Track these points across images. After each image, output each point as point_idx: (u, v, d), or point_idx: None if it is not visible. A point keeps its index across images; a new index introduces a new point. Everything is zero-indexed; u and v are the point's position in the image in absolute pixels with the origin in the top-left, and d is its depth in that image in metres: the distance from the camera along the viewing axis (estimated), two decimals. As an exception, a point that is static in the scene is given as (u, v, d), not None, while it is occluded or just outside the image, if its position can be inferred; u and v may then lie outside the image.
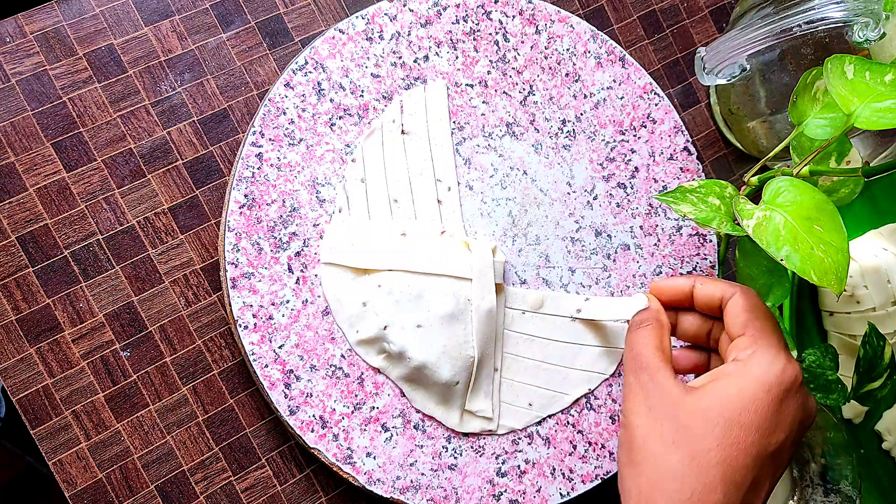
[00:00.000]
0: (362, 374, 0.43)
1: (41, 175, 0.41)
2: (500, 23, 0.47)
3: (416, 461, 0.43)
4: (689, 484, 0.31)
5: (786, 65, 0.47)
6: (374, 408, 0.43)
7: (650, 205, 0.49)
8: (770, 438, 0.32)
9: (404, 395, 0.43)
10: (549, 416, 0.46)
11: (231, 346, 0.43)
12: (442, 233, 0.44)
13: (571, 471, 0.45)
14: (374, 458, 0.42)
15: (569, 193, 0.47)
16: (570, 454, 0.46)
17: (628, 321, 0.39)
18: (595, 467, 0.46)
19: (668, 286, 0.39)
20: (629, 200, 0.49)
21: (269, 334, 0.41)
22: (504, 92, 0.47)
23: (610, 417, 0.47)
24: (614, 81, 0.49)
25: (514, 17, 0.47)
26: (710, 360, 0.40)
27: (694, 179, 0.49)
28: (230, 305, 0.41)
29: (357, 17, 0.44)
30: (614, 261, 0.48)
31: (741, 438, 0.31)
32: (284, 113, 0.43)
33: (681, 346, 0.42)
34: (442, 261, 0.43)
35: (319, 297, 0.42)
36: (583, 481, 0.45)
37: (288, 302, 0.42)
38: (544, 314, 0.46)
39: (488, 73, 0.46)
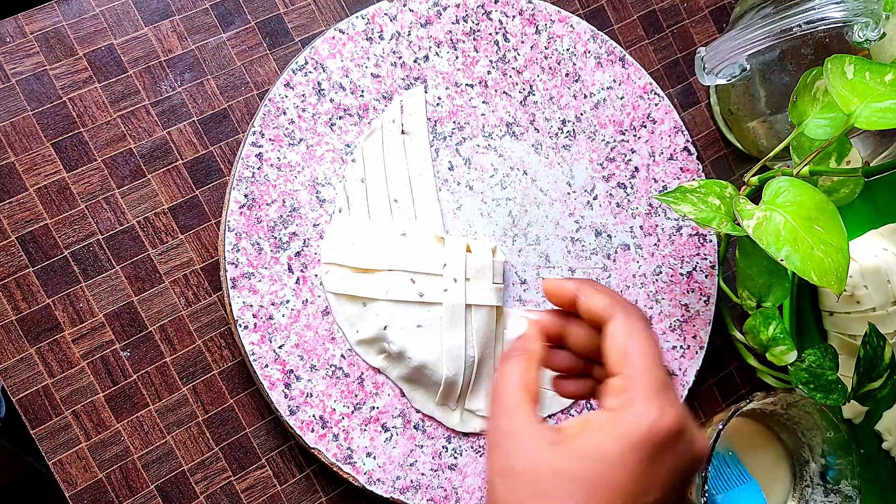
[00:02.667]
0: (362, 374, 0.43)
1: (41, 175, 0.41)
2: (500, 23, 0.47)
3: (416, 461, 0.43)
4: None
5: (786, 65, 0.47)
6: (374, 408, 0.43)
7: (650, 205, 0.49)
8: (639, 500, 0.28)
9: (404, 395, 0.43)
10: (549, 416, 0.45)
11: (231, 346, 0.43)
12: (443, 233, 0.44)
13: (571, 471, 0.45)
14: (374, 458, 0.42)
15: (569, 193, 0.47)
16: (570, 454, 0.46)
17: None
18: (595, 467, 0.46)
19: (553, 288, 0.34)
20: (629, 200, 0.49)
21: (269, 334, 0.41)
22: (504, 92, 0.47)
23: (610, 417, 0.47)
24: (614, 81, 0.49)
25: (514, 17, 0.47)
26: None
27: (694, 179, 0.49)
28: (230, 305, 0.41)
29: (357, 17, 0.44)
30: (614, 261, 0.48)
31: None
32: (284, 113, 0.43)
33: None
34: (442, 261, 0.43)
35: (319, 297, 0.42)
36: (583, 481, 0.45)
37: (288, 302, 0.42)
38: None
39: (488, 73, 0.46)
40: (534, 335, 0.34)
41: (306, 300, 0.42)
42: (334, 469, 0.42)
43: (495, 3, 0.47)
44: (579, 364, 0.35)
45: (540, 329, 0.34)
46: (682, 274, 0.49)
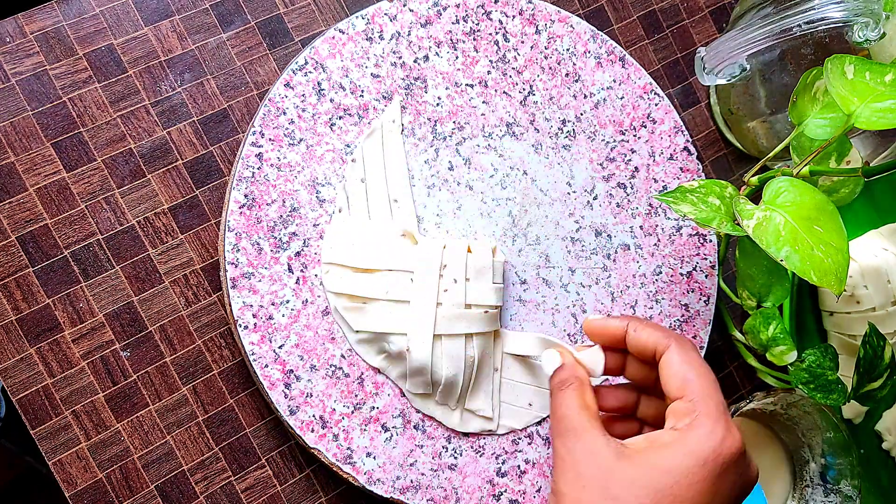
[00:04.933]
0: (362, 374, 0.43)
1: (41, 175, 0.41)
2: (500, 23, 0.47)
3: (416, 461, 0.43)
4: None
5: (786, 65, 0.47)
6: (374, 408, 0.43)
7: (650, 205, 0.49)
8: None
9: (404, 395, 0.43)
10: (550, 416, 0.46)
11: (231, 346, 0.43)
12: (446, 233, 0.44)
13: (571, 471, 0.45)
14: (374, 458, 0.42)
15: (569, 193, 0.47)
16: (570, 454, 0.46)
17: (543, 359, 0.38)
18: (595, 467, 0.46)
19: (599, 328, 0.37)
20: (629, 200, 0.49)
21: (269, 334, 0.41)
22: (504, 92, 0.47)
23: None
24: (614, 81, 0.49)
25: (514, 17, 0.47)
26: (640, 399, 0.38)
27: (694, 179, 0.49)
28: (230, 305, 0.41)
29: (357, 17, 0.44)
30: (614, 261, 0.48)
31: None
32: (284, 113, 0.43)
33: (609, 383, 0.41)
34: (442, 261, 0.42)
35: (319, 297, 0.42)
36: (583, 481, 0.45)
37: (288, 302, 0.42)
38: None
39: (488, 73, 0.46)
40: (574, 364, 0.37)
41: (306, 300, 0.42)
42: (334, 469, 0.42)
43: (495, 3, 0.47)
44: (628, 401, 0.38)
45: (574, 359, 0.37)
46: (682, 274, 0.49)
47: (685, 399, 0.32)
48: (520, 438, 0.45)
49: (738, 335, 0.50)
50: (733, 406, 0.46)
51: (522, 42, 0.47)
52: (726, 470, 0.31)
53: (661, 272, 0.49)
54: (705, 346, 0.49)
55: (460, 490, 0.43)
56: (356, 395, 0.42)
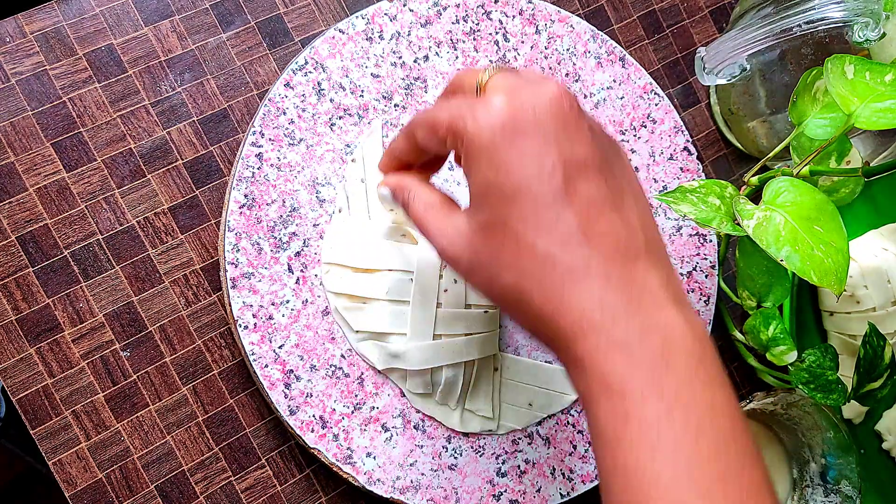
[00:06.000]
0: (362, 374, 0.43)
1: (41, 175, 0.41)
2: (500, 23, 0.47)
3: (416, 461, 0.43)
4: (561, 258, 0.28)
5: (786, 65, 0.47)
6: (374, 408, 0.43)
7: (650, 205, 0.49)
8: (567, 154, 0.28)
9: (404, 395, 0.43)
10: (549, 416, 0.45)
11: (231, 346, 0.43)
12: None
13: (571, 471, 0.45)
14: (374, 458, 0.42)
15: (569, 193, 0.47)
16: (570, 454, 0.46)
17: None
18: (595, 467, 0.46)
19: (393, 159, 0.36)
20: (629, 200, 0.48)
21: (269, 334, 0.41)
22: (504, 92, 0.47)
23: (610, 417, 0.47)
24: (614, 81, 0.49)
25: (514, 17, 0.47)
26: None
27: (694, 179, 0.49)
28: (230, 305, 0.41)
29: (357, 17, 0.44)
30: (614, 261, 0.48)
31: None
32: (284, 113, 0.43)
33: None
34: (441, 261, 0.43)
35: (319, 297, 0.42)
36: (583, 481, 0.45)
37: (288, 302, 0.42)
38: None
39: (488, 73, 0.46)
40: (398, 178, 0.35)
41: (306, 300, 0.42)
42: (334, 469, 0.42)
43: (495, 3, 0.47)
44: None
45: (396, 159, 0.36)
46: (682, 274, 0.49)
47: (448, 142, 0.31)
48: (520, 438, 0.45)
49: (738, 335, 0.50)
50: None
51: (522, 42, 0.47)
52: (524, 128, 0.28)
53: (661, 272, 0.49)
54: (705, 346, 0.49)
55: (460, 490, 0.43)
56: (356, 395, 0.42)
